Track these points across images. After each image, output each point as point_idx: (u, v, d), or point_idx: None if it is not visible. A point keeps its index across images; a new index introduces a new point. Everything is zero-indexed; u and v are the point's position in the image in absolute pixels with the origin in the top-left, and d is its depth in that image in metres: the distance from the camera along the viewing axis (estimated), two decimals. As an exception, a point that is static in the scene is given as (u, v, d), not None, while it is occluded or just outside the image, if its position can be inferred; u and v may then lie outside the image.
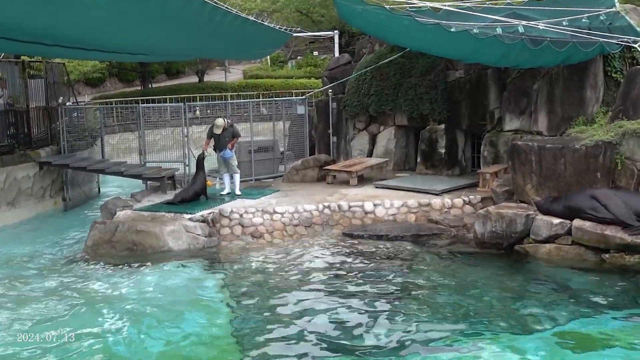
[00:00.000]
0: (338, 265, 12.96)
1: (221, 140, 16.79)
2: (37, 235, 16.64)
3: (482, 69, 18.20)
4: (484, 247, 13.63)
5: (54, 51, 16.88)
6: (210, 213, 15.20)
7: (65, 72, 24.21)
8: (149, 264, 13.29)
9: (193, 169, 18.46)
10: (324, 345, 9.41)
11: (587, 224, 12.65)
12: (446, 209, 15.74)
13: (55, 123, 21.28)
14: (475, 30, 13.73)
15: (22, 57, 21.14)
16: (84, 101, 32.94)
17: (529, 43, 13.75)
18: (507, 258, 13.12)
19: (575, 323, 9.94)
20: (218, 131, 16.72)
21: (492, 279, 11.95)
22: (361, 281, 11.98)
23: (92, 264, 13.50)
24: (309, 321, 10.21)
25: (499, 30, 13.88)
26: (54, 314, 10.67)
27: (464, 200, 15.90)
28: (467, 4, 16.40)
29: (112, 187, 24.41)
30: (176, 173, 18.87)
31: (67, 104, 23.23)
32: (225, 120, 17.13)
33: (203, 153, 17.07)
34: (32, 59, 21.52)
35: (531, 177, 14.02)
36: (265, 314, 10.56)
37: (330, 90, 21.75)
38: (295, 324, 10.12)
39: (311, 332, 9.80)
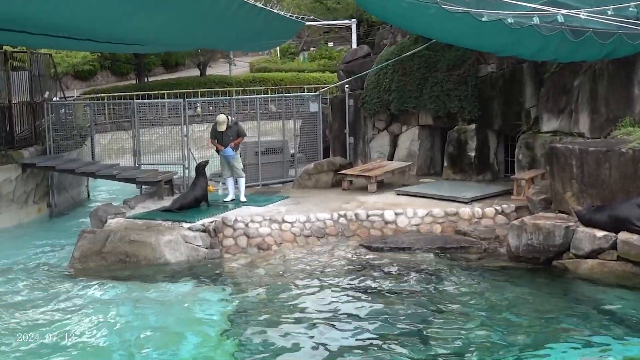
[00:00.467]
0: (354, 281, 12.93)
1: (224, 140, 16.83)
2: (19, 246, 16.68)
3: (517, 62, 18.17)
4: (519, 262, 13.58)
5: (40, 41, 17.00)
6: (212, 222, 15.22)
7: (52, 63, 24.36)
8: (143, 278, 13.30)
9: (193, 173, 18.52)
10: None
11: (634, 237, 12.57)
12: (476, 219, 15.70)
13: (41, 120, 21.39)
14: (509, 20, 13.68)
15: (3, 47, 21.28)
16: (73, 96, 33.16)
17: (570, 34, 13.69)
18: (544, 275, 13.05)
19: (621, 350, 9.85)
20: (221, 128, 16.75)
21: (527, 299, 11.88)
22: (380, 300, 11.94)
23: (79, 278, 13.51)
24: (322, 345, 10.18)
25: (536, 20, 13.83)
26: (34, 335, 10.64)
27: (496, 209, 15.85)
28: (501, -10, 16.36)
29: (102, 192, 24.48)
30: (174, 177, 18.92)
31: (54, 99, 23.37)
32: (229, 117, 17.16)
33: (206, 161, 17.13)
34: (15, 49, 21.66)
35: (571, 184, 13.96)
36: (273, 336, 10.53)
37: (347, 86, 21.75)
38: (306, 348, 10.09)
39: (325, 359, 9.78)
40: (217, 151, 17.12)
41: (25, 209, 19.59)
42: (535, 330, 10.57)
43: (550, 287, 12.50)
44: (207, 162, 17.21)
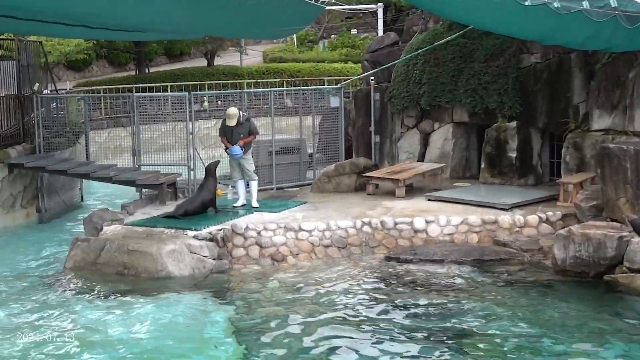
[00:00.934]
0: (380, 297, 12.93)
1: (234, 136, 16.84)
2: (4, 255, 16.76)
3: (563, 52, 18.11)
4: (565, 276, 13.53)
5: (28, 27, 17.07)
6: (221, 229, 15.25)
7: (42, 52, 24.50)
8: (142, 292, 13.34)
9: (199, 174, 18.57)
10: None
11: (697, 250, 12.51)
12: (517, 228, 15.67)
13: (29, 116, 21.50)
14: (555, 4, 13.64)
15: (-12, 34, 21.43)
16: (65, 89, 33.34)
17: (624, 20, 13.64)
18: (594, 290, 12.99)
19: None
20: (231, 123, 16.76)
21: (574, 318, 11.84)
22: (409, 318, 11.92)
23: (71, 292, 13.56)
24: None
25: (585, 4, 13.79)
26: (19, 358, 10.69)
27: (539, 217, 15.80)
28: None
29: (98, 195, 24.59)
30: (178, 179, 18.97)
31: (44, 91, 23.49)
32: (242, 112, 17.19)
33: (217, 161, 17.17)
34: (1, 36, 21.77)
35: (625, 189, 13.89)
36: (288, 358, 10.54)
37: (372, 78, 21.75)
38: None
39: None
40: (226, 149, 17.10)
41: (11, 214, 19.70)
42: (582, 354, 10.52)
43: (600, 305, 12.44)
44: (218, 163, 17.25)
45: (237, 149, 16.85)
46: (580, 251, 13.34)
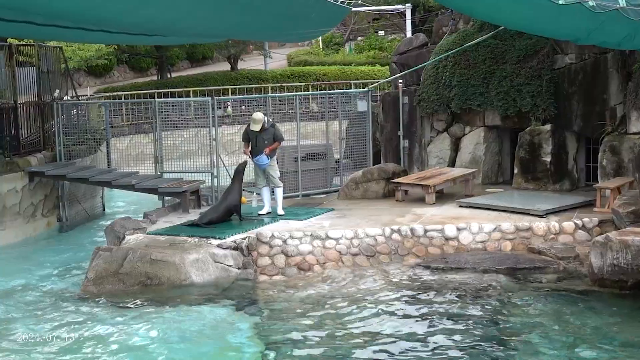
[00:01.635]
0: (410, 307, 12.90)
1: (259, 143, 16.84)
2: (26, 265, 16.89)
3: (599, 52, 18.04)
4: (603, 285, 13.42)
5: (48, 32, 17.18)
6: (245, 238, 15.27)
7: (62, 58, 24.65)
8: (166, 303, 13.39)
9: (223, 182, 18.61)
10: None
11: None
12: (552, 235, 15.59)
13: (50, 123, 21.65)
14: (590, 3, 13.57)
15: (8, 40, 21.57)
16: (86, 95, 33.53)
17: (663, 18, 13.54)
18: (633, 300, 12.89)
19: None
20: (256, 128, 16.75)
21: (612, 330, 11.77)
22: (440, 329, 11.90)
23: (94, 302, 13.64)
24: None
25: (622, 2, 13.71)
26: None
27: (575, 223, 15.72)
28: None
29: (120, 204, 24.71)
30: (202, 187, 19.03)
31: (65, 98, 23.62)
32: (267, 118, 17.20)
33: (245, 162, 17.18)
34: (21, 42, 21.94)
35: (665, 194, 13.80)
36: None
37: (401, 81, 21.74)
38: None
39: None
40: (251, 155, 17.08)
41: (32, 223, 19.83)
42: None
43: (639, 314, 12.34)
44: (246, 163, 17.22)
45: (264, 158, 16.83)
46: (618, 259, 13.21)
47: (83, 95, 31.09)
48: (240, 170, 16.96)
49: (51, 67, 22.62)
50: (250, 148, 16.98)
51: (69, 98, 24.65)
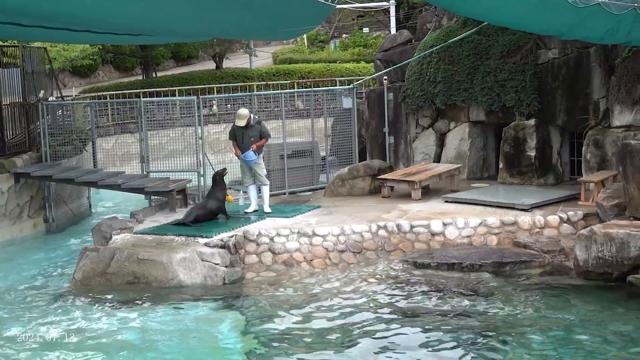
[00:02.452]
0: (397, 302, 12.94)
1: (245, 140, 16.86)
2: (12, 266, 16.87)
3: (582, 47, 18.12)
4: (588, 277, 13.50)
5: (33, 33, 17.16)
6: (232, 236, 15.30)
7: (47, 58, 24.60)
8: (153, 302, 13.40)
9: (209, 180, 18.61)
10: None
11: None
12: (537, 229, 15.67)
13: (35, 123, 21.60)
14: (573, -3, 13.65)
15: (-8, 41, 21.51)
16: (71, 95, 33.45)
17: (644, 12, 13.63)
18: (618, 292, 12.96)
19: None
20: (241, 123, 16.75)
21: (598, 321, 11.83)
22: (427, 324, 11.93)
23: (81, 302, 13.63)
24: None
25: (604, -3, 13.79)
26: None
27: (560, 217, 15.80)
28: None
29: (106, 204, 24.68)
30: (188, 186, 19.04)
31: (50, 99, 23.58)
32: (252, 114, 17.22)
33: (224, 170, 17.20)
34: (5, 43, 21.87)
35: (649, 187, 13.88)
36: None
37: (386, 78, 21.77)
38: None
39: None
40: (238, 156, 17.10)
41: (18, 225, 19.79)
42: (605, 356, 10.51)
43: (625, 308, 12.41)
44: (224, 171, 17.23)
45: (251, 155, 16.86)
46: (603, 251, 13.28)
47: (68, 96, 31.03)
48: (218, 177, 16.93)
49: (36, 68, 22.57)
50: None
51: (54, 99, 24.62)
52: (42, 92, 22.66)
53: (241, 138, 16.89)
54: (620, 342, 10.90)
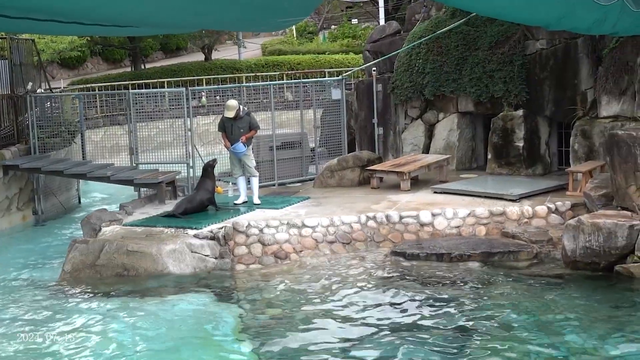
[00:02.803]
0: (386, 293, 12.98)
1: (234, 132, 16.88)
2: (1, 258, 16.84)
3: (570, 38, 18.17)
4: (576, 267, 13.56)
5: (20, 25, 17.08)
6: (222, 228, 15.32)
7: (35, 50, 24.55)
8: (143, 293, 13.43)
9: (199, 172, 18.63)
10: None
11: None
12: (526, 219, 15.74)
13: (23, 116, 21.56)
14: (561, -13, 13.68)
15: (-21, 33, 21.45)
16: (60, 87, 33.40)
17: (632, 4, 13.65)
18: (606, 282, 13.04)
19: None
20: (229, 114, 16.76)
21: (586, 310, 11.89)
22: (416, 314, 11.98)
23: (71, 295, 13.64)
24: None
25: (591, -13, 13.82)
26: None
27: (548, 207, 15.87)
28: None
29: (95, 196, 24.66)
30: (177, 177, 19.05)
31: (38, 91, 23.54)
32: (241, 106, 17.22)
33: (214, 161, 17.21)
34: (-7, 35, 21.83)
35: (635, 177, 13.92)
36: (292, 359, 10.62)
37: (374, 69, 21.80)
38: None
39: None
40: (227, 147, 17.11)
41: (7, 217, 19.78)
42: (593, 345, 10.57)
43: (611, 295, 12.51)
44: (214, 162, 17.27)
45: (240, 146, 16.88)
46: (591, 241, 13.35)
47: (56, 88, 30.96)
48: (209, 168, 16.97)
49: (24, 60, 22.52)
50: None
51: (42, 90, 24.58)
52: (31, 84, 22.63)
53: (230, 129, 16.91)
54: (605, 335, 10.93)
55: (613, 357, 10.20)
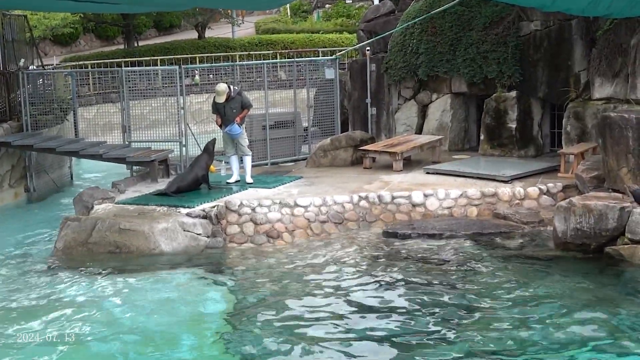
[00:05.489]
0: (377, 273, 13.05)
1: (227, 113, 16.87)
2: (-7, 236, 16.92)
3: (564, 19, 18.18)
4: (566, 249, 13.65)
5: (12, 1, 17.09)
6: (214, 207, 15.38)
7: (27, 27, 24.47)
8: (135, 271, 13.50)
9: (191, 151, 18.67)
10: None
11: (700, 220, 12.64)
12: (517, 201, 15.83)
13: (15, 92, 21.54)
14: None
15: (-29, 9, 21.38)
16: (52, 64, 33.30)
17: (626, -15, 13.70)
18: (596, 263, 13.14)
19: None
20: (220, 100, 16.76)
21: (576, 291, 11.97)
22: (406, 294, 12.06)
23: (63, 272, 13.69)
24: (342, 347, 10.32)
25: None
26: (9, 340, 10.77)
27: (540, 189, 15.96)
28: None
29: (88, 174, 24.68)
30: (170, 155, 19.08)
31: (30, 67, 23.50)
32: (231, 87, 17.21)
33: (214, 140, 17.24)
34: (-16, 11, 21.76)
35: (627, 159, 14.00)
36: (283, 337, 10.67)
37: (368, 48, 21.81)
38: (323, 352, 10.22)
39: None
40: (221, 126, 17.10)
41: (-1, 194, 19.83)
42: (582, 327, 10.64)
43: (601, 277, 12.60)
44: (215, 141, 17.28)
45: (236, 128, 16.82)
46: (581, 223, 13.43)
47: (49, 65, 30.85)
48: (208, 147, 17.01)
49: (16, 36, 22.43)
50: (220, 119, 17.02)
51: (34, 67, 24.52)
52: (23, 60, 22.56)
53: (223, 111, 16.85)
54: (595, 316, 10.99)
55: (601, 338, 10.31)
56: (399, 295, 12.02)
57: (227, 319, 11.38)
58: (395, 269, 13.21)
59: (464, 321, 10.96)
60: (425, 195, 15.92)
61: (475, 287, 12.25)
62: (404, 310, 11.40)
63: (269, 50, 41.03)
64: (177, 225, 14.72)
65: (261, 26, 51.87)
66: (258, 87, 23.73)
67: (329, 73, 21.25)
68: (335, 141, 19.39)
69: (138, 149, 19.27)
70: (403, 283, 12.55)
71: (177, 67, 19.82)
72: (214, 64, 31.39)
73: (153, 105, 21.63)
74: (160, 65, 32.80)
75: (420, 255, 13.89)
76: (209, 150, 16.99)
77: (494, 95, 19.13)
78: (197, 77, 34.00)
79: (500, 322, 10.89)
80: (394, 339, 10.41)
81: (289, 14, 54.78)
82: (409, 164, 18.61)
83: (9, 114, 21.27)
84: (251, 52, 39.75)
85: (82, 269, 13.78)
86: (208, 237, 14.89)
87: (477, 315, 11.16)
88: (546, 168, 17.30)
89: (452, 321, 10.96)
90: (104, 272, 13.52)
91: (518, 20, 18.99)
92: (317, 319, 11.21)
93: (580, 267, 13.00)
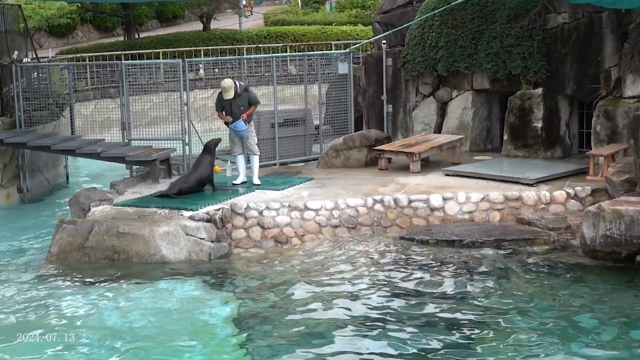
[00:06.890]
0: (392, 281, 13.05)
1: (234, 110, 16.87)
2: (-16, 239, 16.95)
3: (594, 11, 18.14)
4: (595, 257, 13.60)
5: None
6: (219, 209, 15.38)
7: (21, 17, 24.54)
8: (134, 278, 13.50)
9: (195, 149, 18.67)
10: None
11: None
12: (543, 205, 15.78)
13: (8, 87, 21.58)
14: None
15: (-38, -3, 21.46)
16: (47, 57, 33.36)
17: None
18: (627, 272, 13.09)
19: None
20: (227, 96, 16.77)
21: (606, 302, 11.95)
22: (423, 304, 12.05)
23: (58, 278, 13.72)
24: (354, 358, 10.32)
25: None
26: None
27: (567, 192, 15.91)
28: None
29: (84, 173, 24.72)
30: (172, 155, 19.09)
31: (25, 60, 23.54)
32: (237, 82, 17.21)
33: (219, 140, 17.24)
34: (-23, 0, 21.83)
35: (661, 162, 13.99)
36: (290, 348, 10.67)
37: (384, 42, 21.79)
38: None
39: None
40: (227, 124, 17.10)
41: (-10, 195, 19.87)
42: (612, 339, 10.64)
43: (633, 287, 12.56)
44: (219, 141, 17.30)
45: (241, 124, 16.83)
46: (611, 229, 13.36)
47: (44, 57, 30.94)
48: (212, 147, 17.01)
49: (9, 27, 22.46)
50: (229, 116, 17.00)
51: (29, 60, 24.57)
52: (16, 52, 22.61)
53: (229, 108, 16.84)
54: (626, 329, 10.98)
55: (632, 347, 10.28)
56: (415, 305, 12.00)
57: (232, 333, 11.36)
58: (411, 277, 13.20)
59: (483, 333, 10.94)
60: (445, 199, 15.89)
61: (496, 297, 12.23)
62: (421, 322, 11.38)
63: (278, 43, 41.02)
64: (179, 229, 14.71)
65: (270, 17, 51.87)
66: (267, 82, 23.71)
67: (342, 67, 21.24)
68: (348, 140, 19.37)
69: (138, 147, 19.29)
70: (420, 292, 12.53)
71: (180, 60, 19.84)
72: (219, 58, 31.41)
73: (154, 101, 21.65)
74: (163, 59, 32.82)
75: (438, 262, 13.85)
76: (210, 149, 16.98)
77: (519, 92, 19.10)
78: (201, 71, 34.02)
79: (521, 334, 10.85)
80: (409, 350, 10.42)
81: (300, 4, 54.78)
82: (427, 165, 18.58)
83: (2, 110, 21.33)
84: (259, 45, 39.75)
85: (77, 275, 13.80)
86: (212, 241, 14.87)
87: (497, 326, 11.14)
88: (574, 170, 17.24)
89: (469, 333, 10.94)
90: (100, 279, 13.53)
91: (545, 12, 18.95)
92: (327, 329, 11.19)
93: (610, 277, 12.97)
